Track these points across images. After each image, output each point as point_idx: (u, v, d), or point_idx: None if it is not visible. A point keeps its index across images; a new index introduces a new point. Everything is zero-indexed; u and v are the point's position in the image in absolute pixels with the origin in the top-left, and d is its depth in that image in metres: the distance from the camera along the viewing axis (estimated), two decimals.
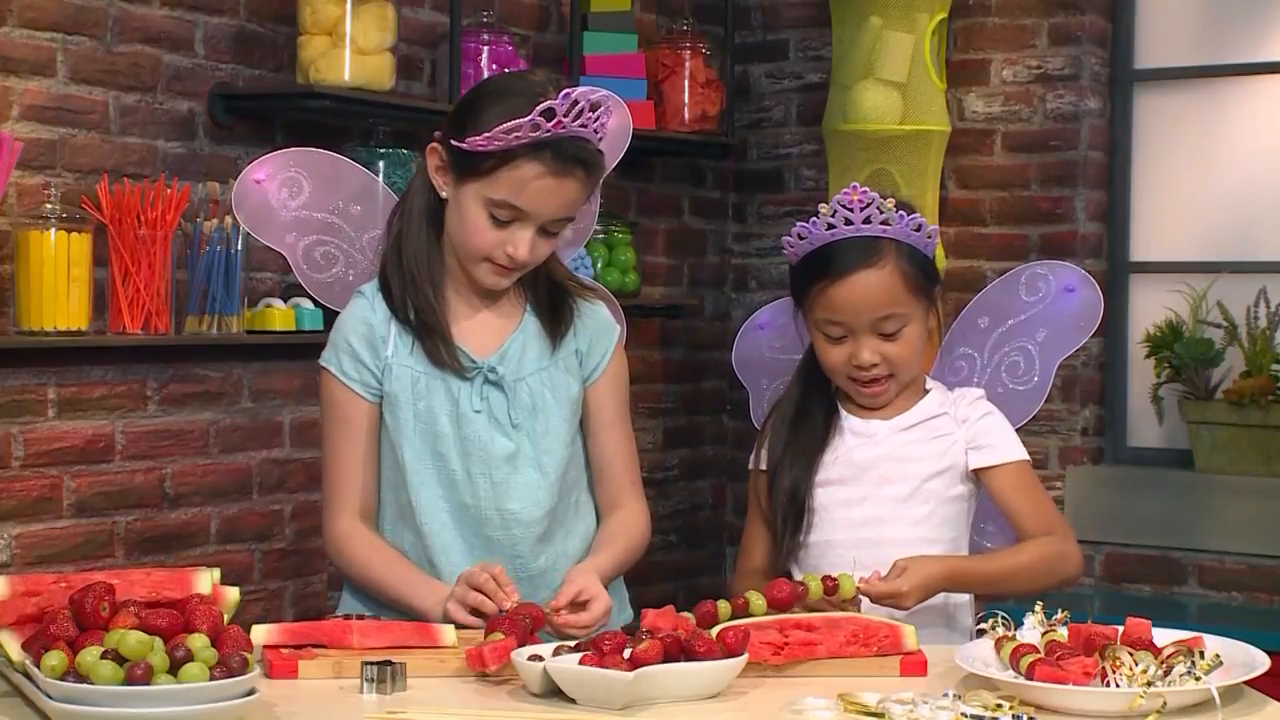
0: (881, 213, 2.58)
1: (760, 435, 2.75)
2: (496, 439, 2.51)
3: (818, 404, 2.69)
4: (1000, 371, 2.81)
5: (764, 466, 2.71)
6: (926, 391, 2.69)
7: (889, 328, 2.60)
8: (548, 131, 2.38)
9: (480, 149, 2.40)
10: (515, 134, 2.38)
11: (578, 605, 2.37)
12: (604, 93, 2.52)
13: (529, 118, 2.37)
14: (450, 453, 2.49)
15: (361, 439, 2.53)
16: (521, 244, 2.45)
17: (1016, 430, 2.69)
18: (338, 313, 2.62)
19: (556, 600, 2.36)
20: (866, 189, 2.62)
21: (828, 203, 2.60)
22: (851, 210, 2.59)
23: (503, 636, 2.16)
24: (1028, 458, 2.68)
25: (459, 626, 2.30)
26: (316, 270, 2.69)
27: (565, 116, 2.38)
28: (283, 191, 2.66)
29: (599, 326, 2.61)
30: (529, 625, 2.23)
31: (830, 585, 2.41)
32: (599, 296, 2.66)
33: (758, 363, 2.89)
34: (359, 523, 2.53)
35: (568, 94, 2.39)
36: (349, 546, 2.53)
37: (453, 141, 2.45)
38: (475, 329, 2.55)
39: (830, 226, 2.60)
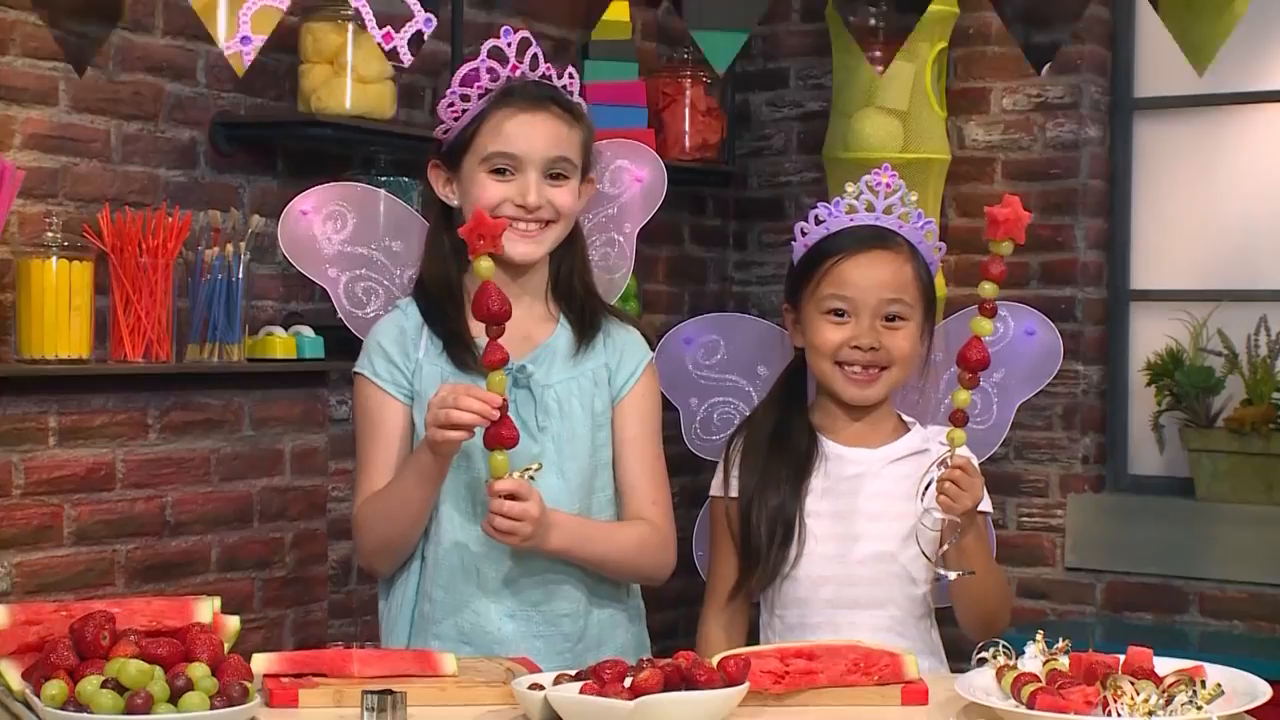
0: (904, 205, 2.61)
1: (725, 461, 2.72)
2: (521, 441, 2.51)
3: (797, 428, 2.68)
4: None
5: (733, 494, 2.69)
6: (907, 427, 2.69)
7: (893, 311, 2.60)
8: (506, 79, 2.54)
9: (453, 119, 2.56)
10: (476, 84, 2.53)
11: (513, 497, 2.37)
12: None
13: (480, 60, 2.53)
14: (474, 452, 2.47)
15: (393, 443, 2.54)
16: (529, 189, 2.51)
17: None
18: (348, 344, 2.62)
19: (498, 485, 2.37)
20: (895, 173, 2.65)
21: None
22: (877, 194, 2.61)
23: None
24: (992, 511, 2.68)
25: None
26: (357, 305, 2.70)
27: (518, 60, 2.54)
28: (327, 225, 2.68)
29: (630, 345, 2.63)
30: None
31: (959, 416, 2.45)
32: (633, 325, 2.68)
33: (682, 378, 2.83)
34: None
35: (508, 30, 2.56)
36: (362, 509, 2.53)
37: (439, 139, 2.59)
38: (507, 335, 2.55)
39: (851, 210, 2.62)
